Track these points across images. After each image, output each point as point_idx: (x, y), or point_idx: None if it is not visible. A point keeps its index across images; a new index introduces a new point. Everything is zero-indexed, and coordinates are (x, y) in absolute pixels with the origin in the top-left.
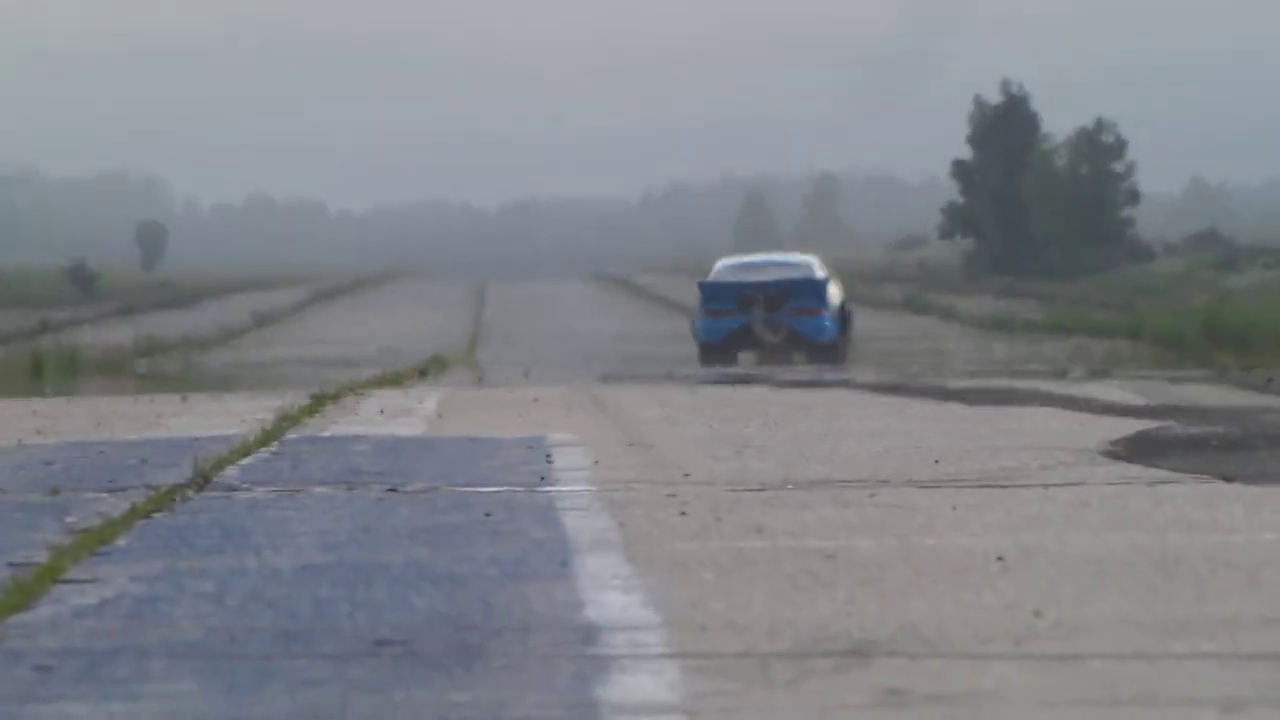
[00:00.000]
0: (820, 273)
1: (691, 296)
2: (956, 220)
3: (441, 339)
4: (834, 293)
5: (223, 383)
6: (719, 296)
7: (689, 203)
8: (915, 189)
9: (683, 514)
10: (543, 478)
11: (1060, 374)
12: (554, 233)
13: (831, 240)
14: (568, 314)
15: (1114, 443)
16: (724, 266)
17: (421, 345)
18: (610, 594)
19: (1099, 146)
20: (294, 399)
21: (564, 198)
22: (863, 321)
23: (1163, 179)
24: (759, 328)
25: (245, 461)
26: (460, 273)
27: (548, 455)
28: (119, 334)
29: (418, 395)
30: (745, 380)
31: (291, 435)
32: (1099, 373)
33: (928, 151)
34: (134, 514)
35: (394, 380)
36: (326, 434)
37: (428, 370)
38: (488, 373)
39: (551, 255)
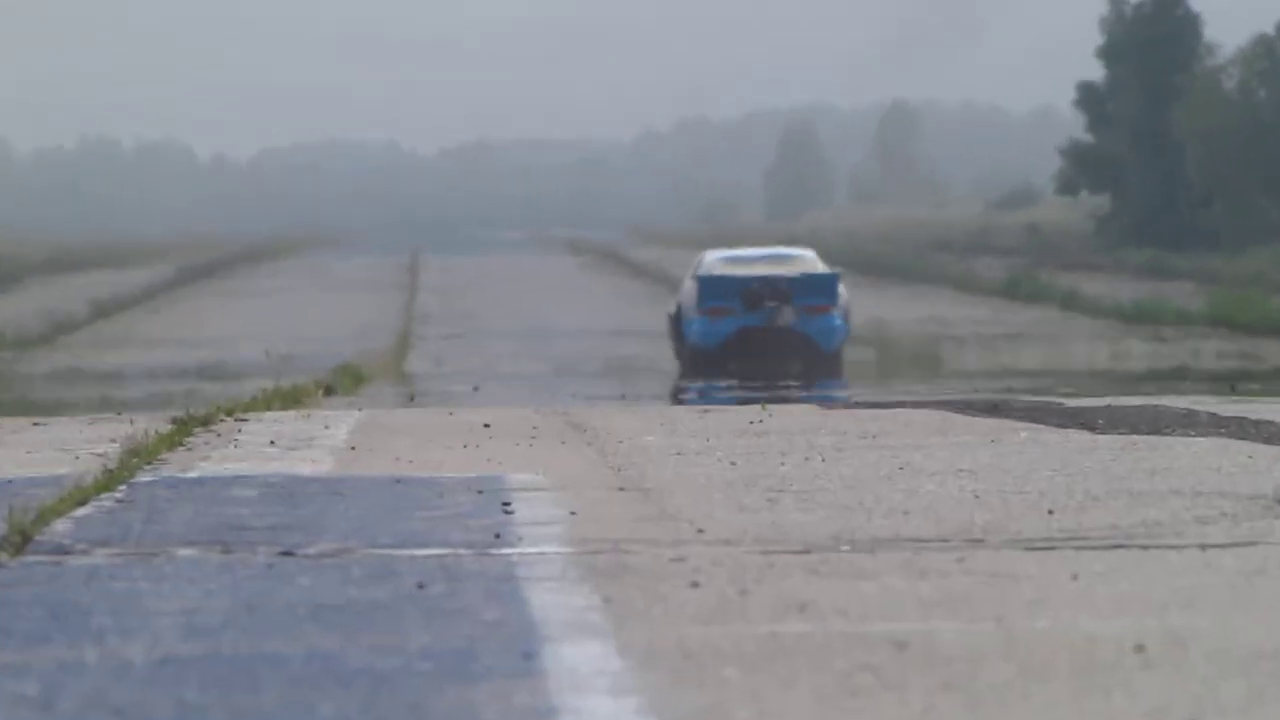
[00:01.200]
0: (824, 266)
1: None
2: (1082, 166)
3: (357, 338)
4: (843, 290)
5: (49, 400)
6: (720, 293)
7: (703, 144)
8: (1023, 123)
9: (695, 585)
10: (498, 535)
11: (1227, 388)
12: (517, 186)
13: (907, 193)
14: (534, 301)
15: None
16: (716, 259)
17: (329, 348)
18: (593, 699)
19: None
20: (149, 424)
21: (529, 140)
22: (949, 310)
23: None
24: (772, 329)
25: (81, 513)
26: (385, 240)
27: (505, 504)
28: None
29: (323, 419)
30: (780, 397)
31: (145, 476)
32: None
33: (1041, 71)
34: None
35: (290, 398)
36: (194, 474)
37: (337, 384)
38: (422, 387)
39: (513, 216)
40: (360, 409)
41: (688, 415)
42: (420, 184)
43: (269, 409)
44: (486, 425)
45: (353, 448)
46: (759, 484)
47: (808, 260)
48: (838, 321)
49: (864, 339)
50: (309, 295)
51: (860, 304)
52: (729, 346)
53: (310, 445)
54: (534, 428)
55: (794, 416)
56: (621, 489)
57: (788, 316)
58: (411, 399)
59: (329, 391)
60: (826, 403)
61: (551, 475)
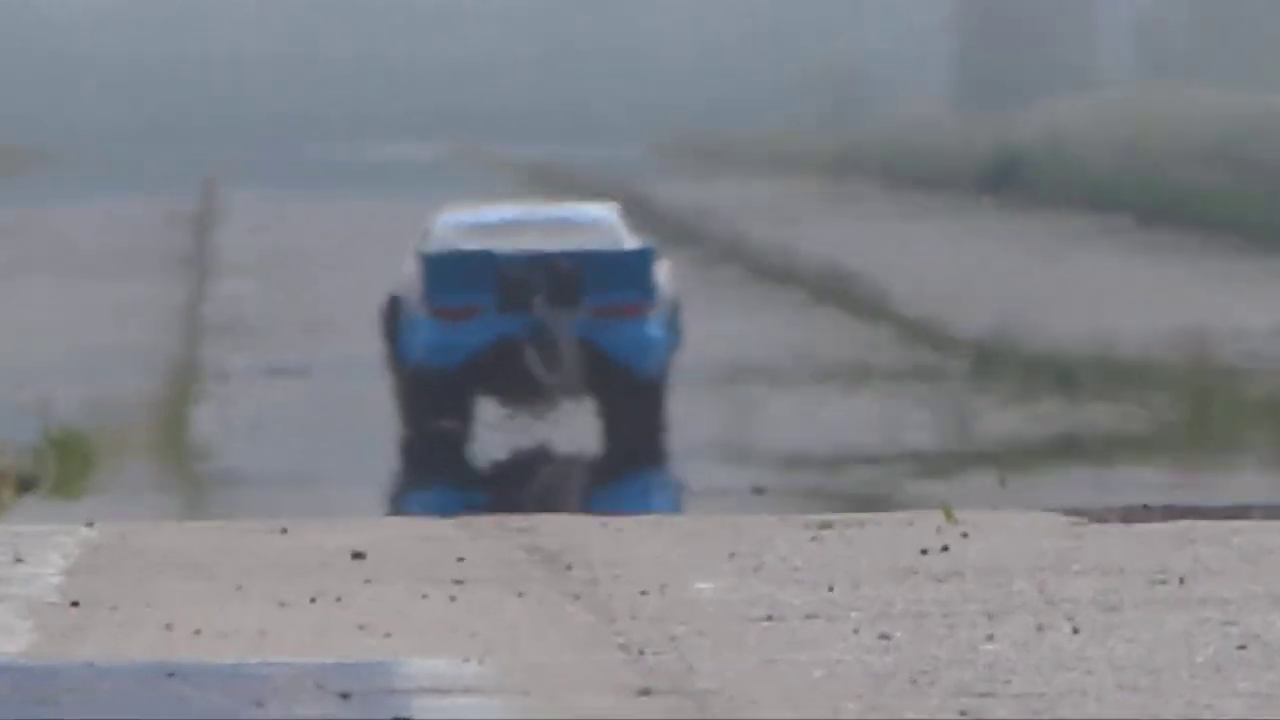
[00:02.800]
0: (632, 237)
1: None
2: None
3: (87, 374)
4: (663, 275)
5: None
6: (460, 280)
7: None
8: None
9: None
10: None
11: None
12: (429, 54)
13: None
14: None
15: None
16: (453, 225)
17: (31, 395)
18: None
19: None
20: None
21: None
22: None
23: None
24: (540, 343)
25: None
26: (155, 157)
27: None
28: None
29: (11, 544)
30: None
31: None
32: None
33: None
34: None
35: None
36: None
37: (42, 471)
38: (223, 475)
39: (419, 115)
40: (90, 522)
41: (787, 532)
42: (226, 36)
43: None
44: (359, 555)
45: (75, 603)
46: (941, 683)
47: (605, 226)
48: (654, 329)
49: (1158, 368)
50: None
51: (1173, 291)
52: (474, 370)
53: None
54: (459, 558)
55: (1008, 537)
56: (647, 693)
57: (571, 319)
58: (196, 498)
59: (25, 487)
60: (1079, 514)
61: (499, 663)
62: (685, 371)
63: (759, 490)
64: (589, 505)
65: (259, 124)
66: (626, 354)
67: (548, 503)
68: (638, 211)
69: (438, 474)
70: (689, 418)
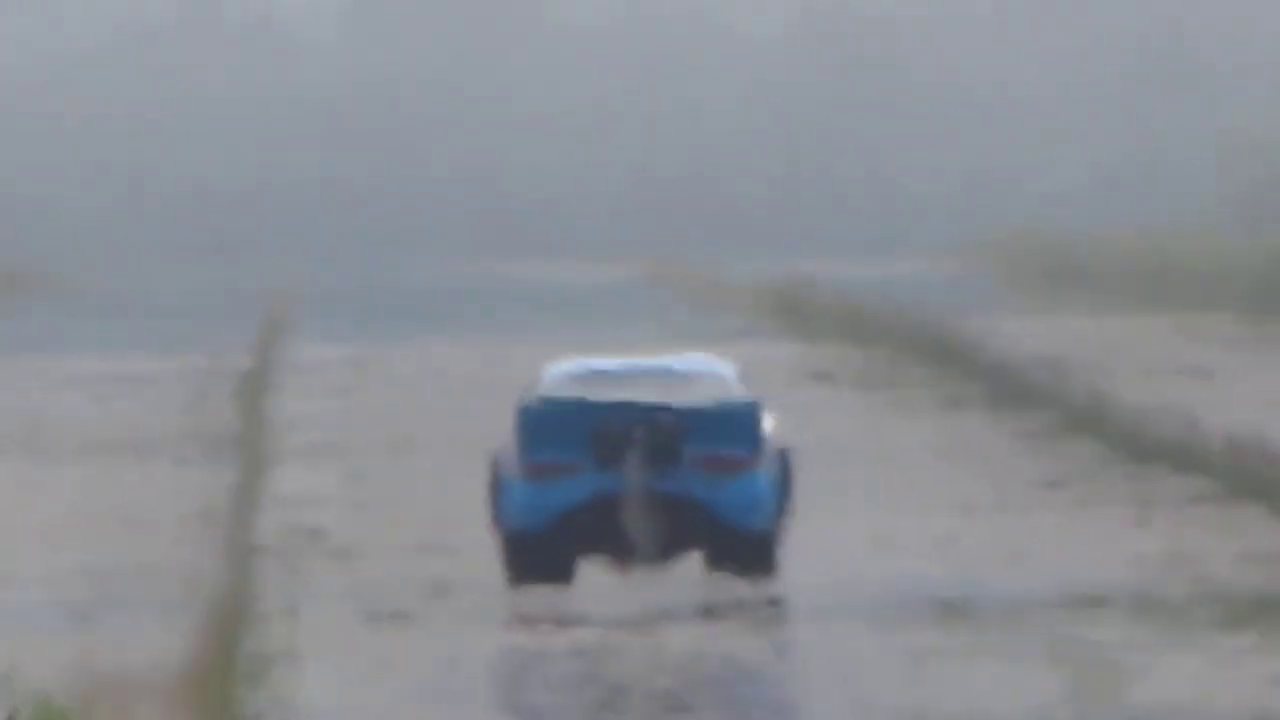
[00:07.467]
0: (741, 387)
1: None
2: None
3: (83, 613)
4: (769, 427)
5: None
6: (554, 435)
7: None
8: None
9: None
10: None
11: None
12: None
13: None
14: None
15: None
16: (560, 376)
17: (16, 641)
18: None
19: None
20: None
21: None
22: None
23: None
24: (635, 504)
25: None
26: (186, 291)
27: None
28: None
29: None
30: None
31: None
32: None
33: None
34: None
35: None
36: None
37: None
38: None
39: (586, 219)
40: None
41: None
42: (293, 123)
43: None
44: None
45: None
46: None
47: (714, 378)
48: (762, 486)
49: None
50: None
51: None
52: (568, 530)
53: None
54: None
55: None
56: None
57: (659, 484)
58: None
59: None
60: None
61: None
62: (1009, 602)
63: None
64: None
65: (339, 221)
66: (730, 509)
67: None
68: (951, 357)
69: None
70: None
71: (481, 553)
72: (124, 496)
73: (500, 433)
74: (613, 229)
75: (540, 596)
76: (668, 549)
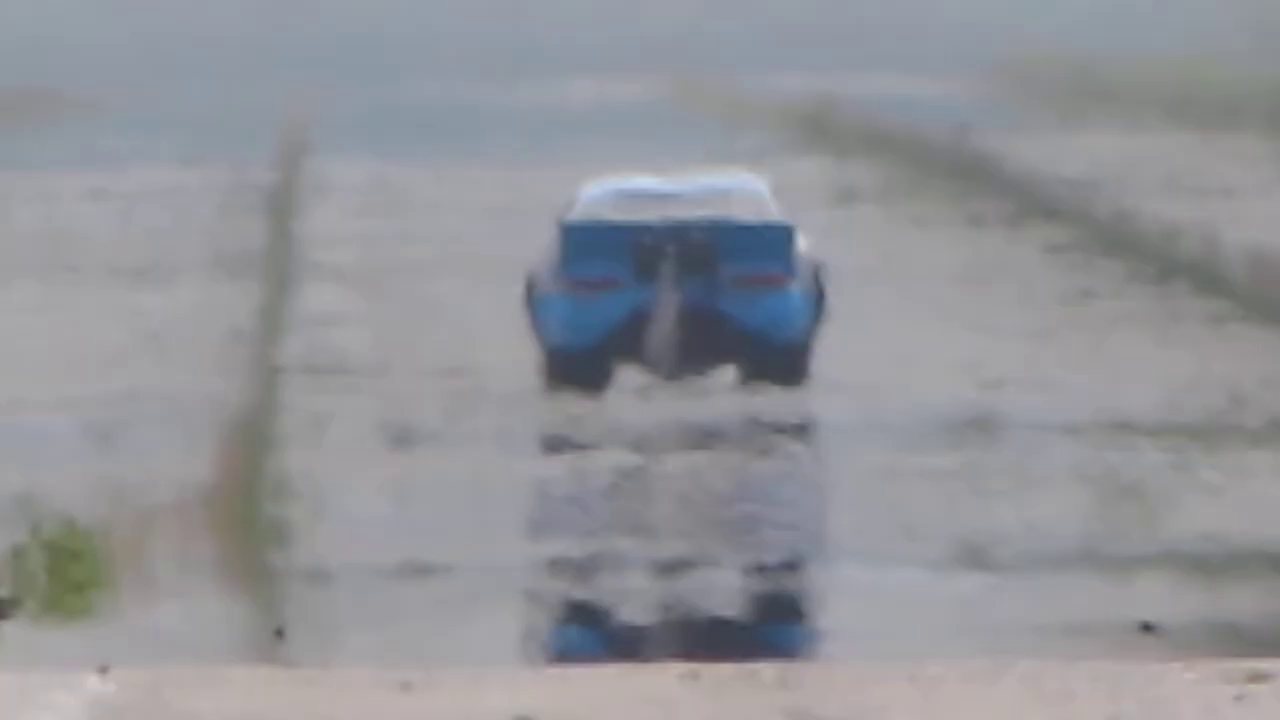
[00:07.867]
0: (775, 206)
1: None
2: None
3: (103, 432)
4: (803, 246)
5: None
6: (595, 250)
7: None
8: None
9: None
10: None
11: None
12: None
13: None
14: None
15: None
16: (602, 194)
17: (17, 459)
18: None
19: None
20: None
21: None
22: None
23: None
24: (668, 315)
25: None
26: (208, 99)
27: None
28: None
29: None
30: None
31: None
32: None
33: None
34: None
35: None
36: None
37: (23, 592)
38: (313, 597)
39: (617, 31)
40: (104, 667)
41: (1200, 689)
42: None
43: None
44: None
45: None
46: None
47: (748, 195)
48: (796, 300)
49: None
50: None
51: None
52: (611, 346)
53: None
54: None
55: None
56: None
57: (693, 296)
58: (267, 631)
59: (11, 606)
60: None
61: None
62: (1042, 424)
63: (1148, 626)
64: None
65: (362, 38)
66: (763, 324)
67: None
68: (975, 175)
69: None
70: (1043, 490)
71: (506, 373)
72: (147, 318)
73: (535, 250)
74: (634, 45)
75: (567, 415)
76: (701, 362)
